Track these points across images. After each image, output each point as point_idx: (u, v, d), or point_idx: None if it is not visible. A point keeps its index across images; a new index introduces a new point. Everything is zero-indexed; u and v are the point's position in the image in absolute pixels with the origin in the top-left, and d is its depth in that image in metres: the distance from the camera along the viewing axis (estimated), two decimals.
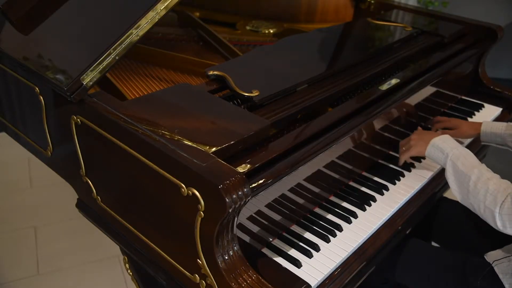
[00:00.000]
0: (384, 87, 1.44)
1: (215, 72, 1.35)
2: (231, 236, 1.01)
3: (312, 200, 1.33)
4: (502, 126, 1.59)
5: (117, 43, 1.17)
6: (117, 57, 1.17)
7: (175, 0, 1.20)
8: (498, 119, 1.89)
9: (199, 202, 0.96)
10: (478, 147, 1.72)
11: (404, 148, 1.52)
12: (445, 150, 1.36)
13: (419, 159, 1.58)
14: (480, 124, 1.64)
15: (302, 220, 1.30)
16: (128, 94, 1.38)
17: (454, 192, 1.33)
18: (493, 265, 1.33)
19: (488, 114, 1.90)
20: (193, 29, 1.86)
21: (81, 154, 1.29)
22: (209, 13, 2.04)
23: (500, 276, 1.31)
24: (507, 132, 1.57)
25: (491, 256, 1.37)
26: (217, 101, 1.24)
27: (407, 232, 1.40)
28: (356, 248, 1.24)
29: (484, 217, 1.25)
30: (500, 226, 1.21)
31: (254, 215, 1.16)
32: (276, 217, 1.23)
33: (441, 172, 1.52)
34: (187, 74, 1.55)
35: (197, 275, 1.05)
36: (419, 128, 1.61)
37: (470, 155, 1.34)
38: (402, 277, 1.47)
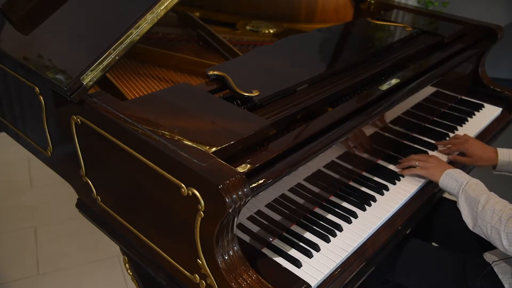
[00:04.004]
0: (384, 87, 1.44)
1: (215, 72, 1.35)
2: (231, 236, 1.01)
3: (312, 200, 1.33)
4: None
5: (117, 43, 1.17)
6: (117, 57, 1.17)
7: (175, 0, 1.20)
8: (498, 119, 1.89)
9: (199, 202, 0.96)
10: None
11: (417, 164, 1.48)
12: (459, 180, 1.36)
13: None
14: (494, 152, 1.56)
15: (302, 220, 1.30)
16: (128, 94, 1.38)
17: (465, 219, 1.33)
18: (492, 265, 1.33)
19: (488, 114, 1.90)
20: (193, 29, 1.86)
21: (81, 154, 1.29)
22: (209, 13, 2.04)
23: (500, 276, 1.31)
24: None
25: (490, 256, 1.37)
26: (217, 101, 1.24)
27: (407, 232, 1.40)
28: (356, 248, 1.24)
29: (492, 239, 1.24)
30: (506, 246, 1.20)
31: (254, 215, 1.16)
32: (276, 217, 1.23)
33: None
34: (187, 74, 1.55)
35: (197, 275, 1.05)
36: (434, 156, 1.53)
37: (481, 184, 1.35)
38: (402, 278, 1.47)
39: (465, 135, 1.66)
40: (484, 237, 1.28)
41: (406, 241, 1.48)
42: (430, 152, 1.63)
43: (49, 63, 1.31)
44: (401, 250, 1.47)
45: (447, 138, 1.72)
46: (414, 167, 1.48)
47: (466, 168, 1.65)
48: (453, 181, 1.37)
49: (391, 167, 1.55)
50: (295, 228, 1.28)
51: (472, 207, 1.30)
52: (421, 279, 1.44)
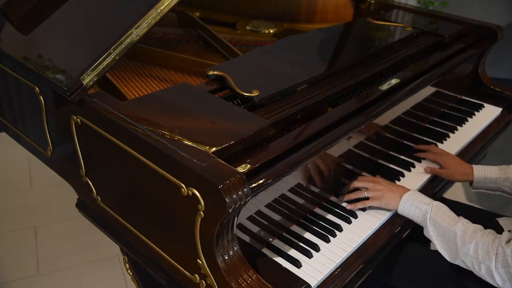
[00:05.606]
0: (384, 87, 1.44)
1: (215, 72, 1.35)
2: (231, 236, 1.01)
3: (312, 200, 1.33)
4: (494, 170, 1.50)
5: (117, 43, 1.17)
6: (117, 57, 1.17)
7: (175, 0, 1.20)
8: (498, 119, 1.89)
9: (199, 202, 0.96)
10: None
11: (366, 194, 1.35)
12: (422, 207, 1.29)
13: (419, 159, 1.58)
14: (470, 167, 1.52)
15: (302, 220, 1.30)
16: (128, 94, 1.38)
17: (440, 250, 1.27)
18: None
19: (488, 114, 1.90)
20: (193, 29, 1.86)
21: (81, 154, 1.29)
22: (209, 13, 2.04)
23: None
24: (502, 176, 1.48)
25: None
26: (217, 101, 1.24)
27: (407, 232, 1.40)
28: (356, 248, 1.24)
29: (480, 274, 1.19)
30: (499, 282, 1.15)
31: (254, 215, 1.16)
32: (276, 217, 1.23)
33: None
34: (187, 74, 1.55)
35: (197, 275, 1.05)
36: (378, 176, 1.42)
37: (445, 208, 1.29)
38: (399, 282, 1.46)
39: (442, 150, 1.60)
40: (467, 268, 1.23)
41: (403, 245, 1.47)
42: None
43: (49, 63, 1.31)
44: (399, 253, 1.46)
45: (447, 138, 1.72)
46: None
47: (442, 182, 1.58)
48: (415, 208, 1.30)
49: (391, 167, 1.55)
50: (295, 228, 1.28)
51: (447, 239, 1.24)
52: (418, 283, 1.43)
